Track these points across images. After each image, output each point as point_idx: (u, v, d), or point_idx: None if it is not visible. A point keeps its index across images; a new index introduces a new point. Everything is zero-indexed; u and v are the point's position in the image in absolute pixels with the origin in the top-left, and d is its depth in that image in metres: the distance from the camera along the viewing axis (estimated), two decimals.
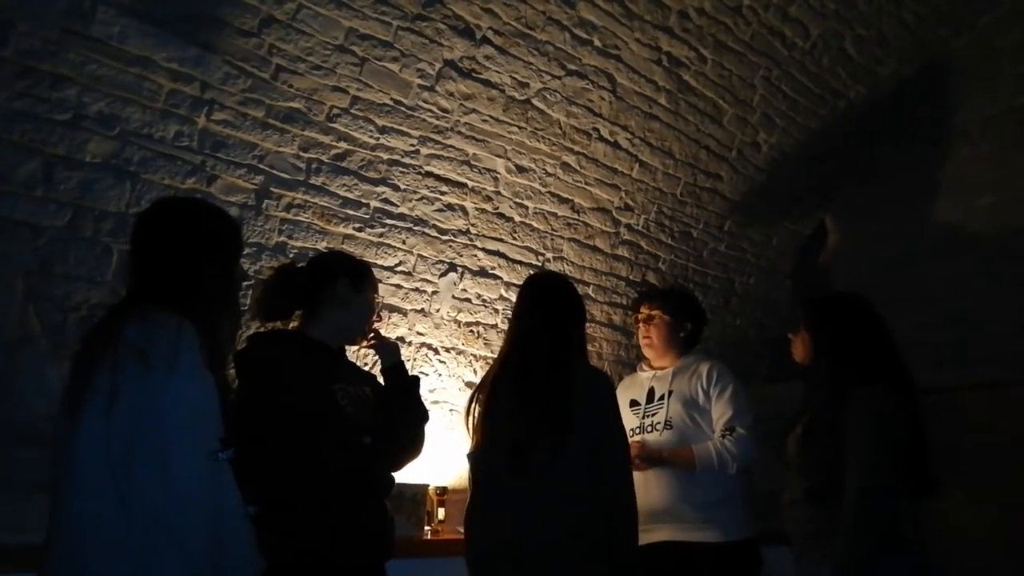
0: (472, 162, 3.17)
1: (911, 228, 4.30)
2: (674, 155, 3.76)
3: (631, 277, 3.95)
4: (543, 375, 2.30)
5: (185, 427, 1.46)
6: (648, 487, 2.73)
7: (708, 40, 3.41)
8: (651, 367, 3.05)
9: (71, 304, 2.28)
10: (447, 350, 3.37)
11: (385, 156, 2.93)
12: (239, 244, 1.83)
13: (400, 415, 2.15)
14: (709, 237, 4.21)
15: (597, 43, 3.16)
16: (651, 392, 2.95)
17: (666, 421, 2.85)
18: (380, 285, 2.73)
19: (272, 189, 2.70)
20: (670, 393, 2.89)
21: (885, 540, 2.10)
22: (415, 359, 3.25)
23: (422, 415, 2.22)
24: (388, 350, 2.27)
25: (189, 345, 1.50)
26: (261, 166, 2.65)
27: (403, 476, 2.35)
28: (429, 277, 3.23)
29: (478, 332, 3.44)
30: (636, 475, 2.77)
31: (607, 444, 2.29)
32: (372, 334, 2.29)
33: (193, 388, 1.49)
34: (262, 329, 2.21)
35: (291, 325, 2.20)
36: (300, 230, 2.81)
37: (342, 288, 2.17)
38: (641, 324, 3.04)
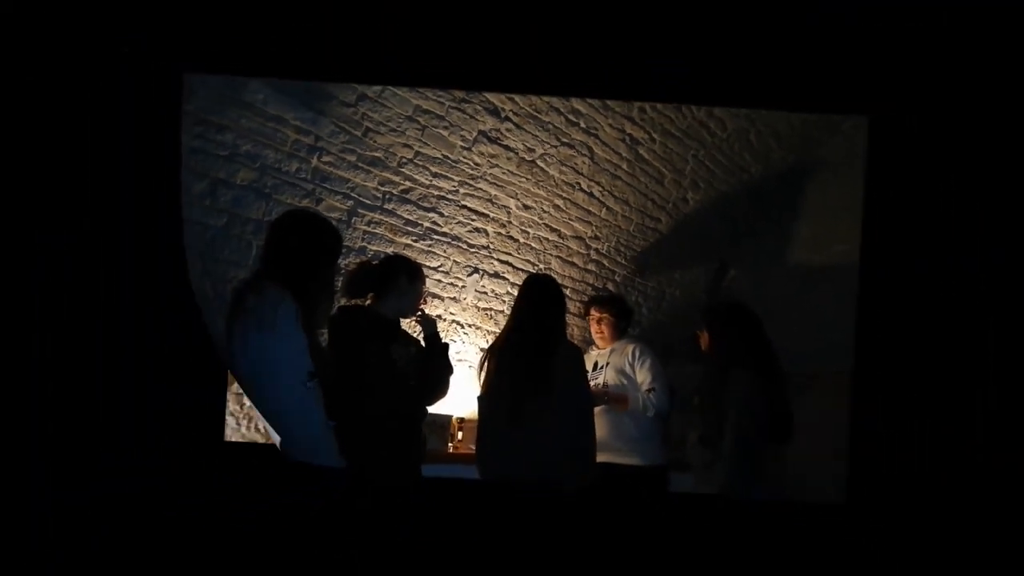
0: (493, 200, 3.17)
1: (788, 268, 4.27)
2: (630, 204, 3.75)
3: (596, 284, 3.94)
4: (533, 348, 2.24)
5: (281, 364, 1.55)
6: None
7: (658, 127, 3.42)
8: (597, 348, 3.01)
9: (228, 278, 2.30)
10: (470, 326, 3.39)
11: (435, 193, 2.94)
12: (339, 247, 1.86)
13: (434, 368, 2.16)
14: (649, 260, 4.20)
15: (582, 125, 3.17)
16: (596, 364, 2.91)
17: (604, 383, 2.82)
18: (427, 279, 2.75)
19: (359, 211, 2.72)
20: (607, 364, 2.86)
21: (753, 469, 2.14)
22: (448, 331, 3.26)
23: (448, 369, 2.22)
24: (428, 323, 2.25)
25: (287, 311, 1.57)
26: (352, 194, 2.67)
27: (435, 408, 2.33)
28: (460, 276, 3.25)
29: (491, 315, 3.46)
30: None
31: (576, 397, 2.25)
32: (419, 312, 2.29)
33: (287, 340, 1.56)
34: (346, 304, 2.22)
35: (366, 303, 2.21)
36: (375, 239, 2.83)
37: (402, 281, 2.17)
38: (593, 323, 2.95)
